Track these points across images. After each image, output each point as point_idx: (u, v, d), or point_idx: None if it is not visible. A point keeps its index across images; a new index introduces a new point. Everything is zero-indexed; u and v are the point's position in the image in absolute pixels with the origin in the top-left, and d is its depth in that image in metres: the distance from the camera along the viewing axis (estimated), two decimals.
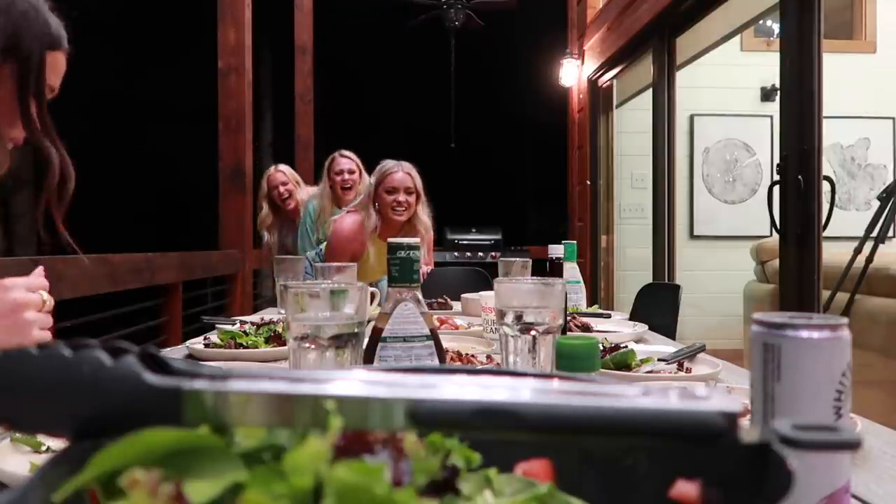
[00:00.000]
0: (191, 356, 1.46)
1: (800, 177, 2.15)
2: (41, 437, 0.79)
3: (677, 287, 2.55)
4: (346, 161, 3.63)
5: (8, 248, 8.18)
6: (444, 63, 8.37)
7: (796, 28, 2.20)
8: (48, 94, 1.08)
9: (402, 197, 2.74)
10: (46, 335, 1.05)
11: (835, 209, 2.15)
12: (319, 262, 2.80)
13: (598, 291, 4.82)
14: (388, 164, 2.82)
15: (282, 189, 3.80)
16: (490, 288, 1.89)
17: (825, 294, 3.03)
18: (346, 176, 3.59)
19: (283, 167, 3.92)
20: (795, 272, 2.19)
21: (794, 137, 2.20)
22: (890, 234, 3.68)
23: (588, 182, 4.94)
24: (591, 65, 4.86)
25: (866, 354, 2.94)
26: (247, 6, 4.08)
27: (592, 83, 4.91)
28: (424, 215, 2.82)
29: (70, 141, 1.14)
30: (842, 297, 3.20)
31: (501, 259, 2.07)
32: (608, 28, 4.39)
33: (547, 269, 1.67)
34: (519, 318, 1.00)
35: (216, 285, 4.27)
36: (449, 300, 2.42)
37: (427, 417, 0.34)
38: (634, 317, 2.26)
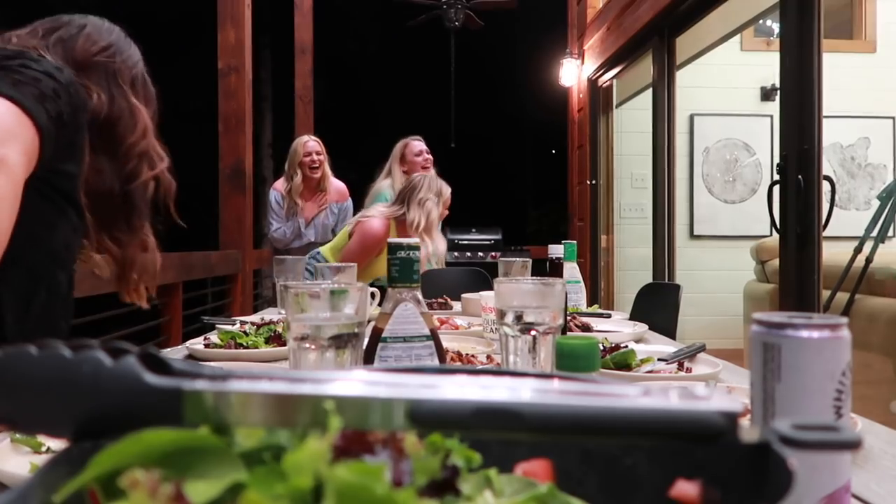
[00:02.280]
0: (191, 356, 1.46)
1: (800, 177, 2.15)
2: (41, 438, 0.79)
3: (677, 287, 2.55)
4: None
5: None
6: (444, 63, 8.38)
7: (796, 28, 2.20)
8: None
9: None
10: None
11: (835, 209, 2.15)
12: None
13: (598, 291, 4.82)
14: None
15: (315, 157, 3.83)
16: (490, 288, 1.89)
17: (825, 294, 3.03)
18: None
19: (315, 138, 3.98)
20: (795, 272, 2.19)
21: (794, 137, 2.20)
22: (890, 233, 3.68)
23: (588, 182, 4.94)
24: (590, 64, 4.86)
25: (866, 354, 2.94)
26: (247, 6, 4.08)
27: (592, 83, 4.90)
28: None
29: None
30: (842, 297, 3.20)
31: (501, 259, 2.07)
32: (608, 28, 4.39)
33: (547, 269, 1.67)
34: (519, 318, 1.00)
35: (216, 285, 4.26)
36: (449, 300, 2.42)
37: (427, 417, 0.34)
38: (634, 317, 2.26)
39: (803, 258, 2.16)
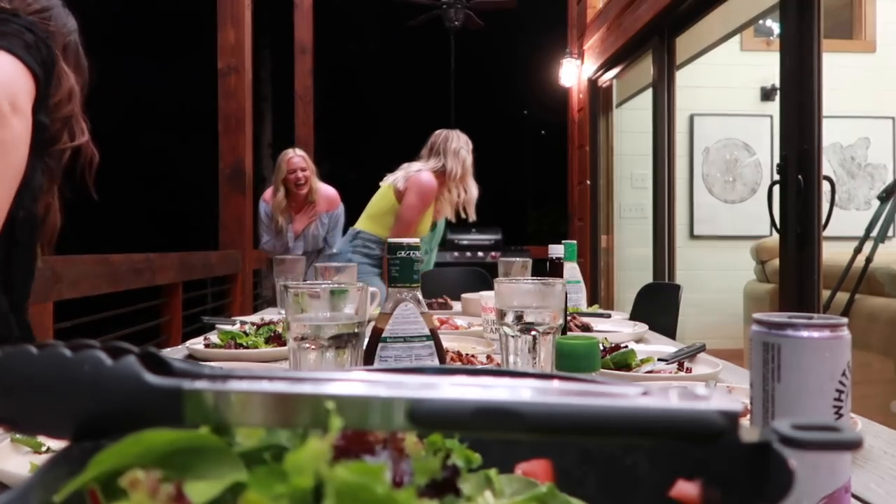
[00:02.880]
0: (191, 356, 1.46)
1: (800, 177, 2.15)
2: (41, 438, 0.79)
3: (677, 287, 2.55)
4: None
5: None
6: (444, 63, 8.38)
7: (796, 28, 2.20)
8: None
9: None
10: None
11: (835, 209, 2.15)
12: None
13: (598, 291, 4.82)
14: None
15: (300, 174, 3.75)
16: (490, 288, 1.89)
17: (825, 294, 3.03)
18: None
19: (300, 151, 3.86)
20: (795, 272, 2.19)
21: (794, 137, 2.20)
22: (890, 233, 3.68)
23: (588, 182, 4.94)
24: (590, 65, 4.86)
25: (866, 354, 2.94)
26: (247, 6, 4.09)
27: (592, 83, 4.90)
28: None
29: None
30: (842, 297, 3.20)
31: (501, 259, 2.07)
32: (608, 28, 4.39)
33: (547, 269, 1.66)
34: (519, 318, 1.00)
35: (216, 285, 4.27)
36: (449, 300, 2.42)
37: (427, 417, 0.34)
38: (634, 317, 2.26)
39: (803, 258, 2.16)
